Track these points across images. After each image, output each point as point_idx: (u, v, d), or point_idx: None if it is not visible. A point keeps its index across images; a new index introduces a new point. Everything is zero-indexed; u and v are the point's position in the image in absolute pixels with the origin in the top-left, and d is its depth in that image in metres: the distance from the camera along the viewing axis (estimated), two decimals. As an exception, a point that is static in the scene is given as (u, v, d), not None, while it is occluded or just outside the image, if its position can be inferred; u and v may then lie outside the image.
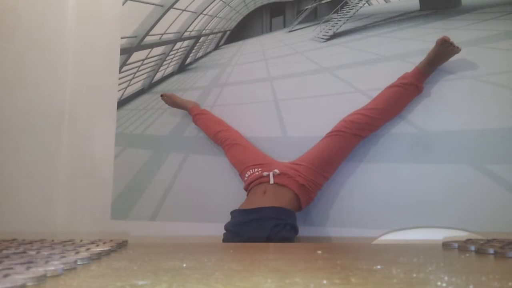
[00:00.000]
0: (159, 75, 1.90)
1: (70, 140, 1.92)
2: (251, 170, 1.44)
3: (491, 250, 0.69)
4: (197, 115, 1.69)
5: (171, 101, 1.77)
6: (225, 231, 1.31)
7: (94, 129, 1.91)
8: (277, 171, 1.37)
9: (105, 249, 0.71)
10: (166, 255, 0.71)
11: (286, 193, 1.33)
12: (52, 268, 0.52)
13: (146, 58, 1.93)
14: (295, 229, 1.29)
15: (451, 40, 1.36)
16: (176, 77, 1.88)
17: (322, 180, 1.41)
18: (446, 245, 0.82)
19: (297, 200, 1.35)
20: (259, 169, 1.42)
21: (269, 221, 1.23)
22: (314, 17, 1.71)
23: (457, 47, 1.38)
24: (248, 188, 1.42)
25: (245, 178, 1.45)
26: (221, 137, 1.60)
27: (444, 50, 1.37)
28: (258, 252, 0.84)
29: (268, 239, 1.19)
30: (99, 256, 0.67)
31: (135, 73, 1.93)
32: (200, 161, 1.73)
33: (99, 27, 2.00)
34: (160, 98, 1.79)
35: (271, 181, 1.35)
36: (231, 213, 1.35)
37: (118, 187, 1.82)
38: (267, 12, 1.80)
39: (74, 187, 1.88)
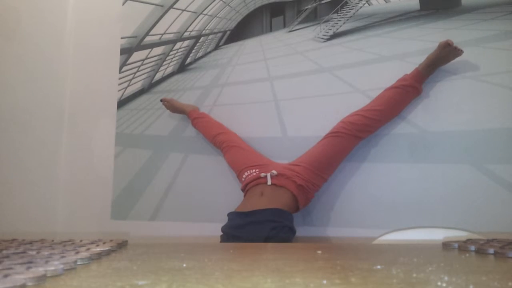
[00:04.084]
0: (159, 75, 1.90)
1: (70, 140, 1.92)
2: (248, 171, 1.44)
3: (491, 250, 0.69)
4: (196, 118, 1.69)
5: (170, 105, 1.77)
6: (222, 233, 1.31)
7: (94, 129, 1.91)
8: (274, 172, 1.36)
9: (105, 249, 0.71)
10: (166, 255, 0.71)
11: (283, 194, 1.32)
12: (52, 268, 0.52)
13: (146, 58, 1.93)
14: (292, 231, 1.29)
15: (454, 44, 1.36)
16: (176, 77, 1.88)
17: (320, 181, 1.40)
18: (446, 245, 0.82)
19: (294, 201, 1.34)
20: (257, 170, 1.41)
21: (266, 223, 1.22)
22: (314, 17, 1.71)
23: (460, 50, 1.38)
24: (245, 189, 1.42)
25: (243, 179, 1.44)
26: (219, 140, 1.60)
27: (447, 53, 1.37)
28: (258, 252, 0.84)
29: (266, 242, 1.18)
30: (99, 256, 0.67)
31: (135, 73, 1.93)
32: (200, 161, 1.73)
33: (99, 27, 2.00)
34: (160, 102, 1.80)
35: (269, 182, 1.34)
36: (228, 215, 1.34)
37: (118, 187, 1.82)
38: (267, 12, 1.80)
39: (74, 187, 1.88)
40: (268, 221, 1.23)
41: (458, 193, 1.36)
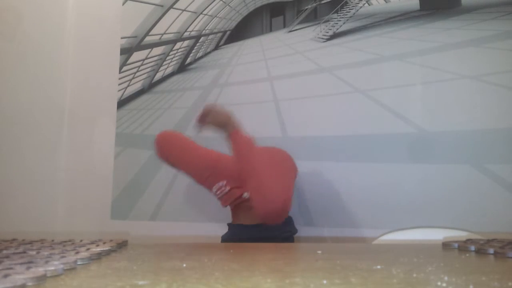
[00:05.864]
0: (159, 75, 1.90)
1: (70, 140, 1.92)
2: (216, 185, 1.28)
3: (491, 250, 0.69)
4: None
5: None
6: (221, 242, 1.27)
7: (94, 129, 1.91)
8: (246, 194, 1.22)
9: (105, 249, 0.71)
10: (166, 255, 0.71)
11: None
12: (52, 268, 0.52)
13: (146, 58, 1.93)
14: (295, 232, 1.29)
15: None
16: (176, 77, 1.88)
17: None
18: (446, 245, 0.82)
19: None
20: (224, 182, 1.27)
21: (276, 237, 1.19)
22: (314, 17, 1.71)
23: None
24: (230, 207, 1.30)
25: (215, 194, 1.29)
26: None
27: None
28: (258, 252, 0.84)
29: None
30: (99, 256, 0.67)
31: (135, 73, 1.93)
32: (200, 161, 1.73)
33: (99, 27, 1.99)
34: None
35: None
36: (230, 226, 1.29)
37: (118, 187, 1.82)
38: (267, 12, 1.80)
39: (74, 187, 1.87)
40: (277, 236, 1.20)
41: (458, 193, 1.36)
